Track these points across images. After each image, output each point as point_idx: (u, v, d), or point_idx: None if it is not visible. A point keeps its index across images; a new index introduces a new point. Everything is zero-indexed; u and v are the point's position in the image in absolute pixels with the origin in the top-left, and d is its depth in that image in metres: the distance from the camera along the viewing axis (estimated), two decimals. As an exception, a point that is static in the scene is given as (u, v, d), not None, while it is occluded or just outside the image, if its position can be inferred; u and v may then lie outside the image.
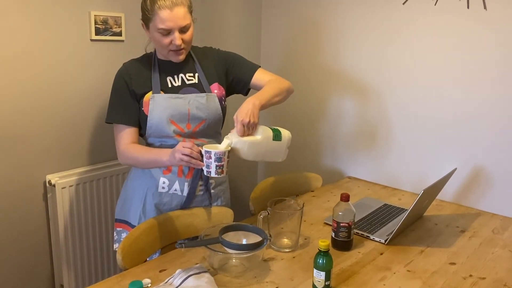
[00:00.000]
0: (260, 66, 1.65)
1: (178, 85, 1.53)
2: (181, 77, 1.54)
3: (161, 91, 1.50)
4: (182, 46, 1.45)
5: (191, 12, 1.47)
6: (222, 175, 1.32)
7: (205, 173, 1.33)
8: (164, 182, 1.55)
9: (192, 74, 1.56)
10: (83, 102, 1.93)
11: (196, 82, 1.56)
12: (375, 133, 2.18)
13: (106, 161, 2.06)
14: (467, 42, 1.82)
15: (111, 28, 1.95)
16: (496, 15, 1.73)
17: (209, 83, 1.57)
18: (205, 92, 1.55)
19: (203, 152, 1.31)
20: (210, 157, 1.30)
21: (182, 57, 1.50)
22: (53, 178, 1.86)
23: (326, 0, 2.25)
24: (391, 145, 2.13)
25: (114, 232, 1.65)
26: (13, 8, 1.67)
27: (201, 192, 1.60)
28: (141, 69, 1.53)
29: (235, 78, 1.63)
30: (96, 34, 1.90)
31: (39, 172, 1.86)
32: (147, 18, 1.44)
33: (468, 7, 1.80)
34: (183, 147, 1.31)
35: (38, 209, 1.89)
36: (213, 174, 1.31)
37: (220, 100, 1.57)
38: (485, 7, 1.75)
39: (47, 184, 1.86)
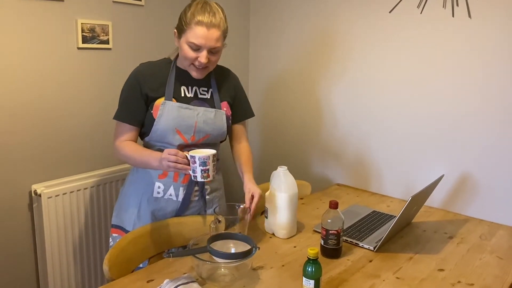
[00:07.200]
0: (254, 115, 1.73)
1: (190, 96, 1.54)
2: (195, 89, 1.56)
3: (173, 99, 1.51)
4: (206, 65, 1.47)
5: (224, 37, 1.48)
6: (208, 179, 1.34)
7: (192, 178, 1.35)
8: (159, 187, 1.55)
9: (206, 89, 1.58)
10: (70, 110, 1.91)
11: (208, 97, 1.57)
12: (364, 141, 2.19)
13: (93, 170, 2.03)
14: (452, 50, 1.85)
15: (98, 36, 1.94)
16: (481, 23, 1.76)
17: (221, 100, 1.59)
18: (215, 108, 1.56)
19: (189, 157, 1.33)
20: (195, 162, 1.32)
21: (201, 75, 1.51)
22: (38, 187, 1.83)
23: (314, 13, 2.27)
24: (379, 153, 2.14)
25: (110, 238, 1.64)
26: (-2, 16, 1.65)
27: (196, 198, 1.60)
28: (158, 72, 1.53)
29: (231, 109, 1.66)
30: (83, 42, 1.89)
31: (25, 181, 1.83)
32: (182, 28, 1.45)
33: (453, 16, 1.82)
34: (168, 154, 1.33)
35: (23, 219, 1.85)
36: (199, 179, 1.34)
37: (227, 118, 1.59)
38: (469, 16, 1.78)
39: (33, 194, 1.83)
